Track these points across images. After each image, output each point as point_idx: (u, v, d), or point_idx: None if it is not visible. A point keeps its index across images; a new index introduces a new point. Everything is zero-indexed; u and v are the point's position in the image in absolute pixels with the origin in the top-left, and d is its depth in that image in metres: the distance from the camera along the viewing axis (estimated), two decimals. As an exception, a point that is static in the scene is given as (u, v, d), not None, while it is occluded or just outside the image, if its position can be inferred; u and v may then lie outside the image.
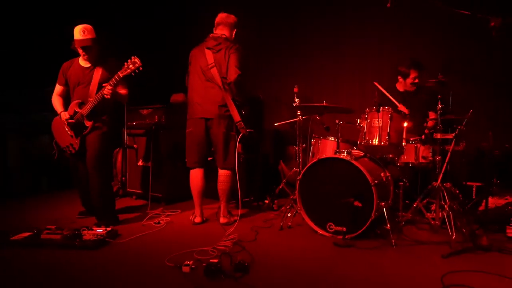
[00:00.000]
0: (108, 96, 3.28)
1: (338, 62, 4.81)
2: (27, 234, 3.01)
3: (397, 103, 3.65)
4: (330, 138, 3.68)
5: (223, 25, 3.55)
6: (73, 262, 2.64)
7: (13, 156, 5.74)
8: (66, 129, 3.50)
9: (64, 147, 3.54)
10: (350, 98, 4.49)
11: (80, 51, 3.42)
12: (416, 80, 3.88)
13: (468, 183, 3.70)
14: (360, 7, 4.67)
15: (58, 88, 3.64)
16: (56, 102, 3.62)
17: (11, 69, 5.97)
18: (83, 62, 3.52)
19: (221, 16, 3.58)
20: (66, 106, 3.57)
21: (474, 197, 3.68)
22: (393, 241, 2.94)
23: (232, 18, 3.59)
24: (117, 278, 2.41)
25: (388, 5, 2.99)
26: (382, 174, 3.30)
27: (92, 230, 3.10)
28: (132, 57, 3.24)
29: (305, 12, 5.04)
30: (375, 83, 3.61)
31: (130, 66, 3.22)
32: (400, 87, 3.99)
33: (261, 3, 5.30)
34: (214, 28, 3.59)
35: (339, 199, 3.07)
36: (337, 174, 3.15)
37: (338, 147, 3.39)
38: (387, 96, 3.64)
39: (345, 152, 3.25)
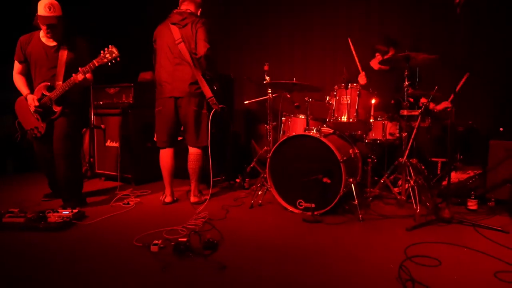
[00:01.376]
0: (80, 82, 3.18)
1: (308, 40, 4.80)
2: (-13, 217, 2.90)
3: (360, 69, 3.67)
4: (300, 116, 3.68)
5: (188, 1, 3.46)
6: (37, 244, 2.57)
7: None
8: (32, 112, 3.36)
9: (29, 129, 3.40)
10: (320, 76, 4.50)
11: (44, 28, 3.22)
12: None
13: (433, 159, 3.81)
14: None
15: (17, 65, 3.44)
16: (19, 82, 3.43)
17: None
18: (45, 39, 3.32)
19: None
20: (30, 85, 3.41)
21: (439, 172, 3.80)
22: (360, 216, 3.01)
23: None
24: (83, 259, 2.36)
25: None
26: (350, 151, 3.35)
27: (58, 212, 3.02)
28: (110, 46, 3.12)
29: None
30: (349, 39, 3.57)
31: (107, 55, 3.11)
32: (375, 64, 3.99)
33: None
34: (179, 6, 3.48)
35: (309, 176, 3.10)
36: (307, 152, 3.18)
37: (307, 124, 3.40)
38: (354, 59, 3.64)
39: (314, 130, 3.27)
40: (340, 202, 3.15)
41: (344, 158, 3.08)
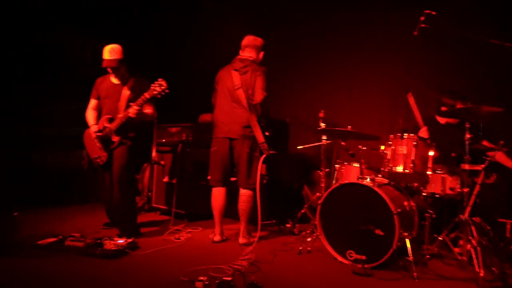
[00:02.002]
0: (134, 116, 3.44)
1: (365, 88, 4.79)
2: (52, 239, 3.14)
3: (422, 124, 3.57)
4: (354, 164, 3.63)
5: (250, 48, 3.65)
6: (93, 270, 2.72)
7: (45, 168, 6.02)
8: (96, 141, 3.67)
9: (93, 158, 3.70)
10: (376, 125, 4.43)
11: (108, 69, 3.62)
12: None
13: (501, 220, 3.53)
14: (387, 34, 4.68)
15: (92, 102, 3.84)
16: (89, 115, 3.81)
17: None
18: (114, 79, 3.71)
19: (248, 39, 3.68)
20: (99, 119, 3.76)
21: (508, 235, 3.49)
22: (415, 274, 2.83)
23: (259, 41, 3.69)
24: (131, 288, 2.46)
25: (415, 33, 3.00)
26: (405, 203, 3.21)
27: (114, 240, 3.19)
28: (159, 79, 3.39)
29: (332, 38, 5.09)
30: (409, 96, 3.52)
31: (157, 88, 3.37)
32: (441, 119, 3.87)
33: (287, 27, 5.41)
34: (241, 50, 3.69)
35: (360, 226, 3.00)
36: (359, 201, 3.09)
37: (361, 173, 3.35)
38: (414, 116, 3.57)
39: (368, 179, 3.20)
40: (393, 256, 2.99)
41: (399, 210, 2.96)
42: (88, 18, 5.87)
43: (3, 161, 5.32)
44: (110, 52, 3.54)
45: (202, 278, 2.51)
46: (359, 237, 3.02)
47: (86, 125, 3.82)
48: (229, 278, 2.48)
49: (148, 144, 4.81)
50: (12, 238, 3.21)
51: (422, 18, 2.93)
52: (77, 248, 3.02)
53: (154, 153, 4.82)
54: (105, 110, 3.71)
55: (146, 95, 3.39)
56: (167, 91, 3.37)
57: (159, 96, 3.39)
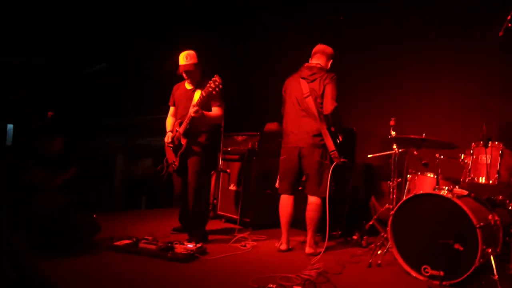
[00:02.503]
0: (194, 114, 3.47)
1: (437, 94, 4.54)
2: (127, 241, 3.29)
3: None
4: (428, 175, 3.46)
5: (320, 54, 3.63)
6: (164, 272, 2.80)
7: (119, 176, 6.43)
8: (171, 147, 3.82)
9: (170, 163, 3.85)
10: (451, 133, 4.18)
11: (184, 75, 3.74)
12: None
13: None
14: (462, 36, 4.42)
15: (171, 109, 4.02)
16: (168, 122, 3.98)
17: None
18: (188, 85, 3.85)
19: (319, 47, 3.67)
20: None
21: None
22: (501, 294, 2.60)
23: (329, 50, 3.67)
24: (203, 292, 2.50)
25: (501, 33, 2.80)
26: (489, 217, 2.97)
27: (184, 244, 3.27)
28: (215, 75, 3.44)
29: (402, 44, 4.92)
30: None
31: (212, 84, 3.42)
32: None
33: (355, 35, 5.32)
34: (310, 58, 3.68)
35: (437, 240, 2.81)
36: (436, 213, 2.92)
37: (437, 183, 3.16)
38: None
39: (445, 189, 3.01)
40: (475, 274, 2.76)
41: (481, 224, 2.74)
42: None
43: (86, 167, 5.77)
44: (186, 57, 3.66)
45: (271, 285, 2.49)
46: (436, 251, 2.83)
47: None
48: (299, 287, 2.43)
49: (215, 152, 4.92)
50: (91, 238, 3.41)
51: (509, 17, 2.73)
52: (149, 251, 3.14)
53: (220, 161, 4.92)
54: (178, 116, 3.84)
55: (203, 92, 3.46)
56: (221, 86, 3.39)
57: (214, 93, 3.42)
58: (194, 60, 3.69)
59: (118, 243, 3.25)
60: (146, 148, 7.60)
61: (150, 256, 3.09)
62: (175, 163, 3.75)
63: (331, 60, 3.67)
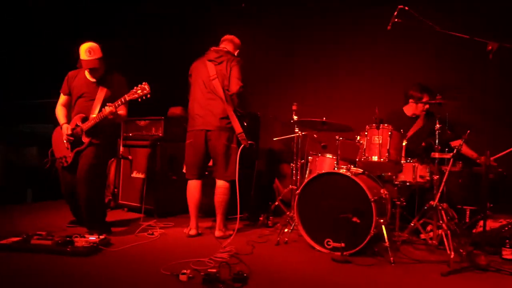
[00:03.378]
0: (110, 116, 3.27)
1: (336, 82, 4.88)
2: (16, 238, 2.90)
3: None
4: (328, 156, 3.69)
5: (227, 41, 3.65)
6: (65, 268, 2.54)
7: (-1, 166, 5.65)
8: (64, 141, 3.46)
9: (58, 158, 3.49)
10: (348, 117, 4.53)
11: (87, 71, 3.43)
12: (427, 106, 3.91)
13: (462, 207, 3.72)
14: (358, 28, 4.81)
15: (62, 98, 3.62)
16: (60, 112, 3.58)
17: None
18: (89, 76, 3.50)
19: (227, 36, 3.71)
20: (69, 117, 3.54)
21: (467, 220, 3.69)
22: (391, 258, 2.91)
23: (237, 40, 3.72)
24: (111, 285, 2.32)
25: (389, 27, 3.09)
26: (381, 191, 3.30)
27: (85, 237, 3.01)
28: (144, 83, 3.22)
29: (304, 31, 5.15)
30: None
31: (139, 91, 3.19)
32: (408, 110, 4.01)
33: (257, 21, 5.42)
34: (219, 44, 3.66)
35: (338, 215, 3.04)
36: (336, 190, 3.15)
37: (337, 163, 3.40)
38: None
39: (344, 168, 3.26)
40: (370, 243, 3.06)
41: (375, 198, 3.03)
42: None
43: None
44: (88, 51, 3.31)
45: (185, 271, 2.43)
46: (336, 225, 3.06)
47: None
48: (215, 270, 2.42)
49: (115, 139, 4.59)
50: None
51: (396, 13, 3.03)
52: (45, 247, 2.81)
53: (121, 148, 4.61)
54: (77, 109, 3.48)
55: (126, 97, 3.22)
56: (149, 96, 3.19)
57: (139, 100, 3.21)
58: (98, 54, 3.36)
59: (4, 241, 2.85)
60: (29, 135, 6.80)
61: (46, 252, 2.77)
62: (67, 160, 3.42)
63: (238, 50, 3.71)
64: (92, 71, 3.42)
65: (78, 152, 3.40)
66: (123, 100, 3.24)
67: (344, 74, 4.84)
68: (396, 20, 3.09)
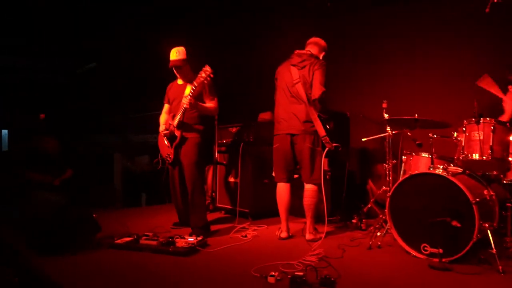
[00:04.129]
0: (187, 106, 3.51)
1: (429, 74, 4.52)
2: (128, 239, 3.27)
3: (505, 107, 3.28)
4: (423, 155, 3.46)
5: (313, 44, 3.64)
6: (166, 266, 2.80)
7: (118, 174, 6.41)
8: (165, 141, 3.81)
9: (165, 156, 3.84)
10: (444, 112, 4.17)
11: (174, 70, 3.76)
12: None
13: None
14: (449, 14, 4.40)
15: (164, 107, 4.01)
16: (162, 118, 3.96)
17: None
18: (180, 81, 3.86)
19: (313, 38, 3.70)
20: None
21: None
22: (500, 267, 2.61)
23: (323, 42, 3.69)
24: (205, 283, 2.50)
25: (487, 10, 2.78)
26: (485, 192, 2.98)
27: (184, 238, 3.27)
28: (205, 65, 3.49)
29: (391, 24, 4.88)
30: (485, 77, 3.26)
31: (202, 74, 3.47)
32: (509, 98, 3.57)
33: (345, 19, 5.30)
34: (305, 46, 3.68)
35: (435, 218, 2.83)
36: (432, 192, 2.93)
37: (432, 162, 3.16)
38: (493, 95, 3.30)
39: (440, 168, 3.02)
40: (473, 249, 2.78)
41: (477, 199, 2.74)
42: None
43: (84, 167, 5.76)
44: (176, 52, 3.69)
45: (273, 273, 2.49)
46: (434, 229, 2.85)
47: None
48: (301, 273, 2.43)
49: (210, 145, 4.90)
50: (92, 237, 3.39)
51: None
52: (151, 246, 3.13)
53: (216, 154, 4.90)
54: (172, 111, 3.84)
55: (195, 82, 3.49)
56: (212, 75, 3.46)
57: (205, 82, 3.49)
58: (183, 56, 3.71)
59: (119, 241, 3.24)
60: (141, 145, 7.59)
61: (151, 251, 3.08)
62: (170, 156, 3.75)
63: (324, 53, 3.67)
64: (177, 70, 3.74)
65: (176, 147, 3.72)
66: (193, 87, 3.50)
67: (436, 67, 4.45)
68: (495, 0, 2.78)
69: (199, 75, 3.49)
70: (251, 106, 5.47)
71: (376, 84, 4.94)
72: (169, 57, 3.72)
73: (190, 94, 3.51)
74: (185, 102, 3.51)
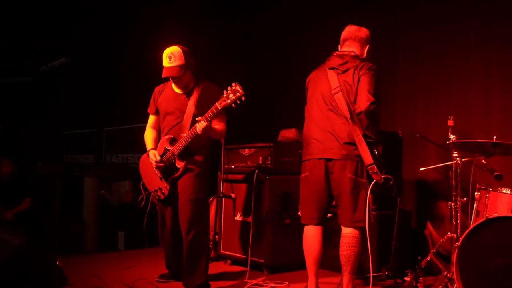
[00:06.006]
0: (201, 133, 3.47)
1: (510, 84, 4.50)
2: (101, 297, 3.26)
3: None
4: (504, 191, 3.43)
5: (351, 40, 3.61)
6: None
7: (89, 205, 6.43)
8: (155, 170, 3.80)
9: (152, 191, 3.84)
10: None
11: (173, 82, 3.77)
12: None
13: None
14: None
15: (150, 118, 4.02)
16: (147, 136, 3.97)
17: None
18: (176, 88, 3.83)
19: (349, 30, 3.66)
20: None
21: None
22: None
23: (363, 32, 3.64)
24: None
25: None
26: None
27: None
28: (233, 84, 3.40)
29: (458, 20, 4.90)
30: None
31: (231, 95, 3.37)
32: None
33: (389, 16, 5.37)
34: (339, 46, 3.68)
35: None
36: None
37: (517, 203, 3.12)
38: None
39: (529, 211, 2.99)
40: None
41: None
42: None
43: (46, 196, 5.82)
44: (169, 57, 3.64)
45: None
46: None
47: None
48: None
49: (215, 171, 4.90)
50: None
51: None
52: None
53: (221, 184, 4.89)
54: (165, 128, 3.84)
55: (218, 105, 3.42)
56: (243, 99, 3.36)
57: (233, 106, 3.40)
58: (180, 61, 3.65)
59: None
60: (121, 167, 7.64)
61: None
62: (163, 191, 3.75)
63: (368, 46, 3.64)
64: (174, 81, 3.73)
65: (174, 180, 3.70)
66: (214, 110, 3.44)
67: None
68: None
69: (224, 96, 3.39)
70: (270, 121, 5.51)
71: (439, 94, 4.92)
72: (161, 60, 3.70)
73: (208, 118, 3.46)
74: (199, 128, 3.45)
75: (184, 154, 3.66)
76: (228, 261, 4.85)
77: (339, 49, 3.64)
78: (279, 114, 5.06)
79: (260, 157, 4.67)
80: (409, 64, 5.20)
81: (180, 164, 3.66)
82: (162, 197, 3.76)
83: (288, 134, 4.99)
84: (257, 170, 4.52)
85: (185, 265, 3.67)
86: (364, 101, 3.36)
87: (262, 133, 4.96)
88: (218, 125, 3.73)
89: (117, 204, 6.70)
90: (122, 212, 6.52)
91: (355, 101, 3.41)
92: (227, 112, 3.70)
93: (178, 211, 3.68)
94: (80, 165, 8.62)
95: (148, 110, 4.02)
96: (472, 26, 4.76)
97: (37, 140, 7.97)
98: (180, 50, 3.68)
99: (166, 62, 3.66)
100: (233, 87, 3.39)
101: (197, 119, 3.52)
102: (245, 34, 6.51)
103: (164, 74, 3.68)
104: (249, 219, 4.56)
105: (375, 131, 3.47)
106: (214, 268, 4.58)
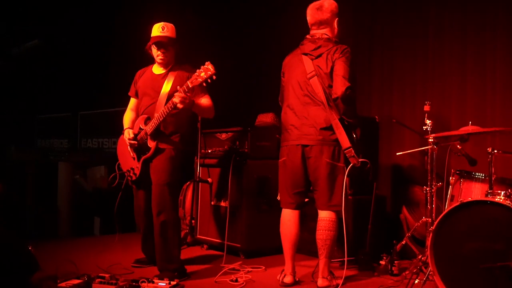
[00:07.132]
0: (181, 106, 3.42)
1: (488, 68, 4.52)
2: (76, 281, 3.22)
3: None
4: (478, 175, 3.47)
5: (317, 25, 3.56)
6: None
7: (63, 191, 6.33)
8: (130, 150, 3.78)
9: (126, 171, 3.82)
10: (508, 119, 4.18)
11: (155, 50, 3.73)
12: None
13: None
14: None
15: (131, 101, 4.02)
16: (126, 117, 3.96)
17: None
18: (156, 69, 3.84)
19: (311, 14, 3.57)
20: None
21: None
22: None
23: (326, 10, 3.53)
24: None
25: None
26: None
27: (153, 283, 3.21)
28: (206, 63, 3.42)
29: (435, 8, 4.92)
30: None
31: (202, 74, 3.39)
32: None
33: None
34: (310, 29, 3.65)
35: (494, 262, 2.83)
36: (490, 226, 2.94)
37: (491, 187, 3.16)
38: None
39: (502, 195, 3.02)
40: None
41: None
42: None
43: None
44: (162, 27, 3.70)
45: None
46: (492, 277, 2.85)
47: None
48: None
49: (191, 156, 4.86)
50: (26, 279, 3.31)
51: None
52: (107, 293, 3.07)
53: (198, 168, 4.85)
54: (141, 109, 3.83)
55: (189, 83, 3.43)
56: (214, 77, 3.39)
57: (204, 84, 3.43)
58: (171, 34, 3.74)
59: (63, 284, 3.17)
60: (97, 152, 7.54)
61: (108, 300, 3.03)
62: (135, 171, 3.72)
63: (336, 19, 3.58)
64: (159, 47, 3.69)
65: (146, 161, 3.68)
66: (184, 89, 3.43)
67: (498, 59, 4.45)
68: None
69: (195, 74, 3.40)
70: (247, 105, 5.48)
71: (415, 80, 4.95)
72: (148, 36, 3.71)
73: (185, 89, 3.42)
74: (177, 100, 3.41)
75: (157, 133, 3.62)
76: (205, 246, 4.84)
77: (310, 32, 3.62)
78: (257, 98, 5.03)
79: (237, 142, 4.64)
80: (385, 50, 5.21)
81: (151, 144, 3.63)
82: (133, 177, 3.74)
83: (265, 118, 4.97)
84: (234, 155, 4.50)
85: (157, 249, 3.66)
86: (340, 87, 3.35)
87: (239, 117, 4.91)
88: (205, 100, 3.74)
89: (92, 189, 6.62)
90: (98, 197, 6.45)
91: (329, 86, 3.41)
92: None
93: (151, 194, 3.67)
94: (55, 150, 8.49)
95: (129, 93, 4.02)
96: (448, 11, 4.79)
97: (10, 124, 7.78)
98: (173, 26, 3.76)
99: (157, 32, 3.71)
100: (205, 66, 3.41)
101: (175, 94, 3.48)
102: (222, 18, 6.44)
103: (151, 41, 3.70)
104: (226, 204, 4.56)
105: (352, 115, 3.49)
106: (191, 252, 4.57)
